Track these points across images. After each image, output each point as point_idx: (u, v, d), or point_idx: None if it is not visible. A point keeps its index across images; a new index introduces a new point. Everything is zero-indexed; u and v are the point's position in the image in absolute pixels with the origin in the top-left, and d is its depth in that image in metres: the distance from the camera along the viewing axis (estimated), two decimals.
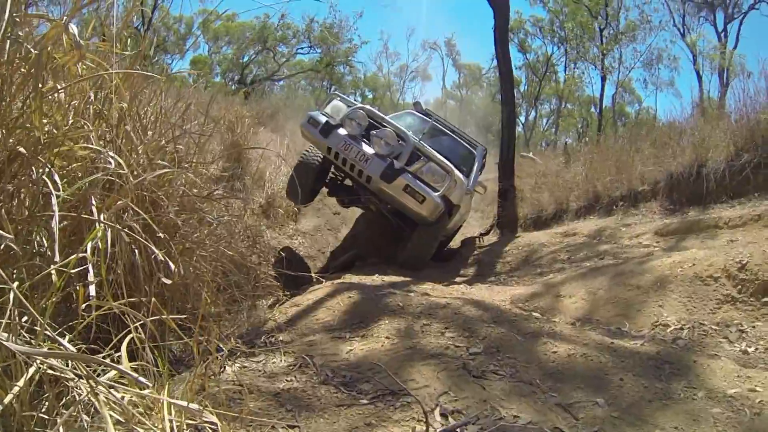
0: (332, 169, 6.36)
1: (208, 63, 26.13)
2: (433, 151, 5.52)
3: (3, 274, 0.99)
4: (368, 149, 5.28)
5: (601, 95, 28.48)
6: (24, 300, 1.00)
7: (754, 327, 2.75)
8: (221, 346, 2.07)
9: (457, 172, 5.49)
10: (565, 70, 32.44)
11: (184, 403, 1.02)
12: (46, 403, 1.03)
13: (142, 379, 0.92)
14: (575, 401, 1.97)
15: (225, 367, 2.16)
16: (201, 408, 0.99)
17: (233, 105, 10.35)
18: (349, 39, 27.92)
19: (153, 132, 2.27)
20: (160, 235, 1.89)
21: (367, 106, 5.88)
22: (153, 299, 1.48)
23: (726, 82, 20.77)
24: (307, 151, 6.22)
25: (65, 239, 1.60)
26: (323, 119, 5.54)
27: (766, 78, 5.92)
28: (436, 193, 5.15)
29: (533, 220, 8.16)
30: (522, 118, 34.84)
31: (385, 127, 5.44)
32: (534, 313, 3.26)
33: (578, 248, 5.58)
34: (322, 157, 5.93)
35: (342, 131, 5.41)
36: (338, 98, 6.07)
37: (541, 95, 34.83)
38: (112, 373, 1.03)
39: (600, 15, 26.76)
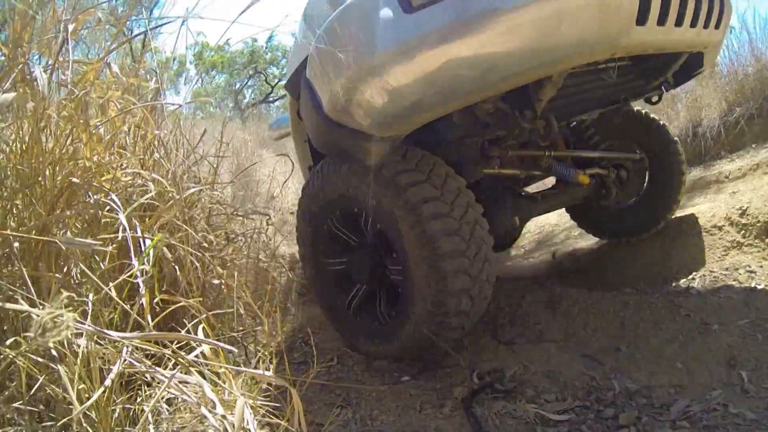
0: None
1: (209, 94, 26.36)
2: None
3: (97, 280, 1.14)
4: None
5: None
6: (115, 297, 1.16)
7: (761, 266, 2.88)
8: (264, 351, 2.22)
9: None
10: None
11: (259, 372, 1.18)
12: (118, 410, 1.12)
13: (226, 345, 1.05)
14: (596, 350, 2.13)
15: (270, 368, 2.31)
16: (272, 375, 1.15)
17: (233, 131, 10.52)
18: None
19: (176, 158, 2.44)
20: (193, 251, 2.03)
21: None
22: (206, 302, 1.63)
23: None
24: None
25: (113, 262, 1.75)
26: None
27: (747, 31, 6.03)
28: None
29: None
30: None
31: None
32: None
33: None
34: None
35: None
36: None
37: None
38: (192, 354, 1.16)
39: None
